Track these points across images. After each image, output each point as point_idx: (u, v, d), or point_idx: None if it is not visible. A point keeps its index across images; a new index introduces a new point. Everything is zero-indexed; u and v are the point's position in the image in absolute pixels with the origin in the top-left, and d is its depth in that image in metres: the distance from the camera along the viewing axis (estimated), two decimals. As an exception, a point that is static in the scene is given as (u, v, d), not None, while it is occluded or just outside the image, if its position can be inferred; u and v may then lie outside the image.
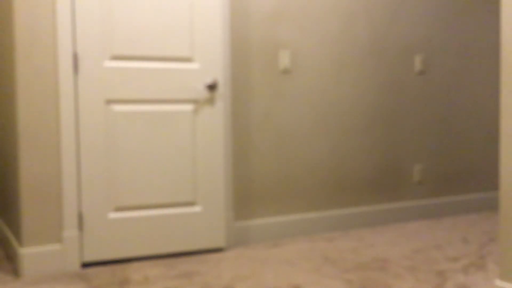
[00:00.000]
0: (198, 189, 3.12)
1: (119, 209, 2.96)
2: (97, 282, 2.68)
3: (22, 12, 2.73)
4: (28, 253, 2.77)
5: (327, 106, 3.66)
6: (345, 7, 3.68)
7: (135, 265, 2.95)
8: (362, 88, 3.79)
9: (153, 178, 3.01)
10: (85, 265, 2.94)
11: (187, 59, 3.05)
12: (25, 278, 2.75)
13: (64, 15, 2.80)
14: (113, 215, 2.94)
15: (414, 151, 4.04)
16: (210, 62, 3.10)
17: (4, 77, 3.15)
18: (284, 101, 3.50)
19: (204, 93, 3.09)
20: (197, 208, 3.12)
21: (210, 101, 3.12)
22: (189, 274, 2.79)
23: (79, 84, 2.86)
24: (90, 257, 2.92)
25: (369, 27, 3.79)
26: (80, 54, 2.86)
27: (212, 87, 3.07)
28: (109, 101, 2.91)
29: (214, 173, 3.15)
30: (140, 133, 2.98)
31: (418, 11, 3.99)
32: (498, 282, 2.32)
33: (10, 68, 2.89)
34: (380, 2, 3.83)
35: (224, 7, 3.20)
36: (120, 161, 2.95)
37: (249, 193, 3.39)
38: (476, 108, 4.31)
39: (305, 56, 3.56)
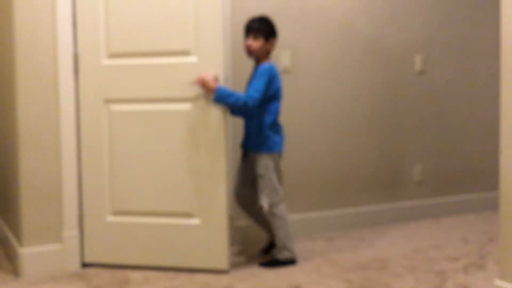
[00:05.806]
0: (199, 188, 3.10)
1: (116, 213, 2.89)
2: (97, 282, 2.68)
3: (22, 12, 2.73)
4: (28, 253, 2.77)
5: (327, 106, 3.66)
6: (345, 7, 3.68)
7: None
8: (362, 88, 3.79)
9: (152, 180, 2.88)
10: (85, 265, 2.93)
11: (186, 53, 2.90)
12: (25, 278, 2.75)
13: (64, 15, 2.79)
14: (111, 218, 2.89)
15: (414, 151, 4.03)
16: (210, 58, 3.05)
17: (4, 77, 3.14)
18: (284, 100, 3.49)
19: (204, 91, 3.06)
20: (196, 213, 3.08)
21: (211, 99, 3.10)
22: (189, 274, 2.78)
23: (79, 84, 2.85)
24: (90, 258, 2.91)
25: (369, 27, 3.79)
26: (80, 54, 2.85)
27: (212, 87, 3.04)
28: (109, 101, 2.88)
29: (214, 172, 3.12)
30: (138, 134, 2.87)
31: (418, 11, 3.99)
32: (498, 282, 2.32)
33: (10, 68, 2.89)
34: (380, 2, 3.83)
35: (224, 7, 3.18)
36: (118, 162, 2.89)
37: (249, 193, 3.38)
38: (476, 108, 4.31)
39: (305, 56, 3.56)
